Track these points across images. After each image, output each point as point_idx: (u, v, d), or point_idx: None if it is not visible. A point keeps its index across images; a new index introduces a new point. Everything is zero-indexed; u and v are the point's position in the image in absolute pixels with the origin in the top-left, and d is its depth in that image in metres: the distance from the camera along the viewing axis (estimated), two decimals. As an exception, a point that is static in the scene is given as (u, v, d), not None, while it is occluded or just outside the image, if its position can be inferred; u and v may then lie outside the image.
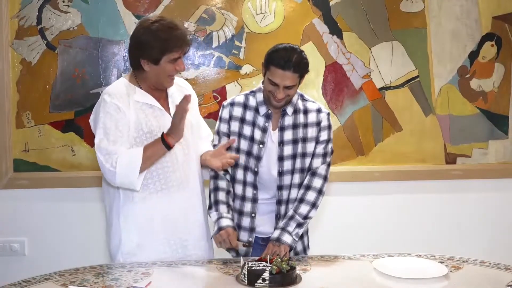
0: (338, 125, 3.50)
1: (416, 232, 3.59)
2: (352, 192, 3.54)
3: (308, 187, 2.46)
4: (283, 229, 2.41)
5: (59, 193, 3.33)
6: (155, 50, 2.28)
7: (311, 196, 2.44)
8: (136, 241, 2.39)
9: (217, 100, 3.40)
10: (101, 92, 3.25)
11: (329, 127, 2.51)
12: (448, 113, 3.61)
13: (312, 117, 2.49)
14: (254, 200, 2.50)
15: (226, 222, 2.42)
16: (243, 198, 2.51)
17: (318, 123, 2.48)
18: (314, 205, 2.45)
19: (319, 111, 2.50)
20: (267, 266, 2.07)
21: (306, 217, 2.44)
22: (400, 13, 3.53)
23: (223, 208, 2.46)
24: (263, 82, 2.45)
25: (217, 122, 2.55)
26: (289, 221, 2.42)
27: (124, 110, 2.31)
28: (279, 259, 2.12)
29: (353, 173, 3.52)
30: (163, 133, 2.30)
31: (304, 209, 2.43)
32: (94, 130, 2.36)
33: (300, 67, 2.34)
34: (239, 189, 2.51)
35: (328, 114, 2.52)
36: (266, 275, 2.04)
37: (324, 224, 3.42)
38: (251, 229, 2.51)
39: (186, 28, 2.35)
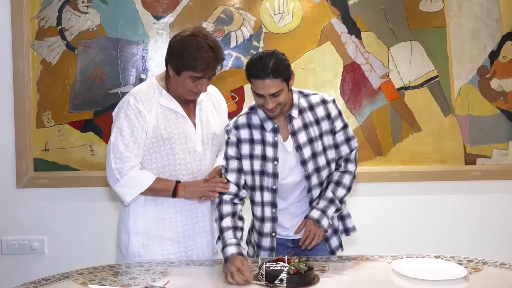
0: (356, 125, 3.48)
1: (435, 233, 3.56)
2: (370, 192, 3.52)
3: (344, 172, 2.46)
4: (324, 212, 2.37)
5: (78, 192, 3.35)
6: (179, 62, 2.29)
7: (347, 179, 2.45)
8: (142, 242, 2.43)
9: (235, 100, 3.40)
10: (120, 92, 3.30)
11: (339, 114, 2.45)
12: (467, 114, 3.57)
13: (320, 111, 2.43)
14: (273, 219, 2.44)
15: (231, 250, 2.23)
16: (262, 219, 2.45)
17: (328, 116, 2.43)
18: (349, 189, 2.45)
19: (324, 102, 2.43)
20: (285, 266, 2.07)
21: (341, 201, 2.43)
22: (419, 13, 3.50)
23: (228, 235, 2.29)
24: None
25: (224, 147, 2.46)
26: (330, 204, 2.39)
27: (144, 115, 2.34)
28: (297, 259, 2.12)
29: (371, 174, 3.49)
30: (178, 181, 2.36)
31: (341, 192, 2.42)
32: (113, 124, 2.41)
33: (279, 70, 2.21)
34: (258, 210, 2.45)
35: (333, 100, 2.45)
36: (283, 275, 2.04)
37: (342, 224, 3.40)
38: (271, 249, 2.45)
39: (222, 54, 2.33)
